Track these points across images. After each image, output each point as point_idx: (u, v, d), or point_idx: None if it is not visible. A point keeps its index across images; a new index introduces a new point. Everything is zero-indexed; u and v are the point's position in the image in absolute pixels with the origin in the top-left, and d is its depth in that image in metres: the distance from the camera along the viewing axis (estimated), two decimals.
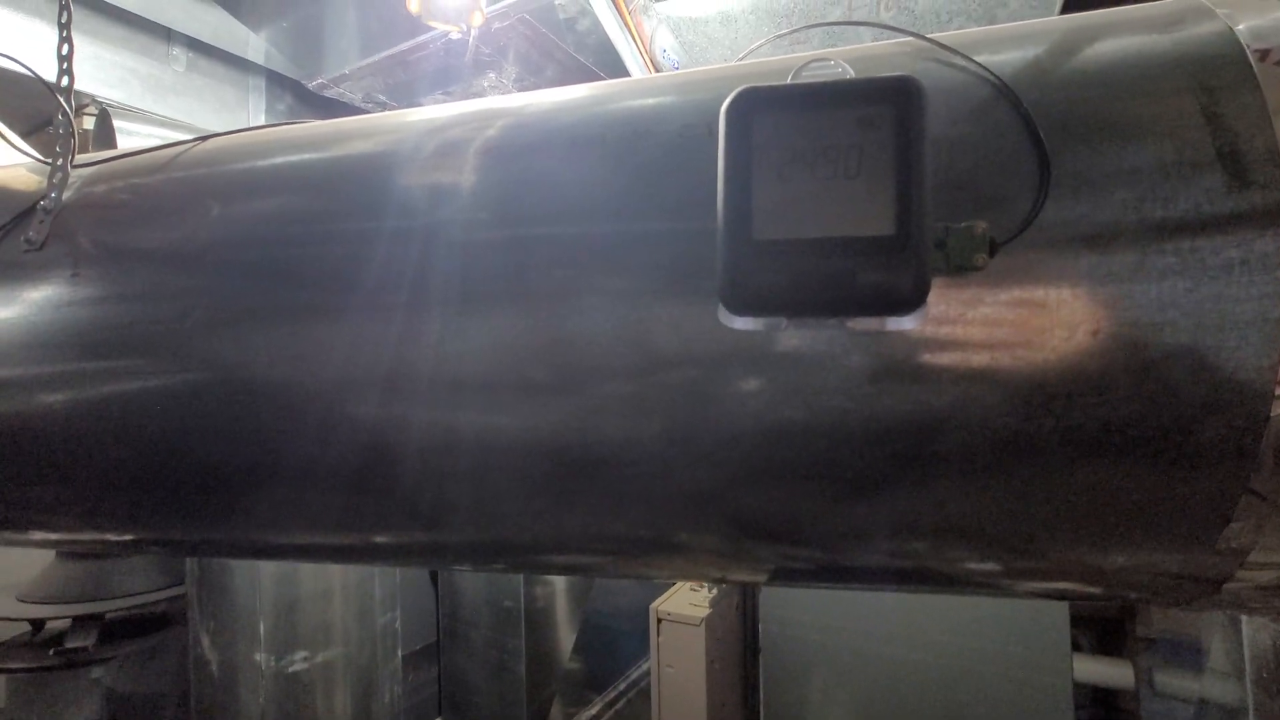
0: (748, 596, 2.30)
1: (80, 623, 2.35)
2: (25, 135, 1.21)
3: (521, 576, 2.49)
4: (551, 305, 0.60)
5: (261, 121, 2.31)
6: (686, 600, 2.17)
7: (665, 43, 2.00)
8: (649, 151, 0.62)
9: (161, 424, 0.67)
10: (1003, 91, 0.48)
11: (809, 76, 0.44)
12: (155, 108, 2.03)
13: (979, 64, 0.50)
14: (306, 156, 0.73)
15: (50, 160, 0.67)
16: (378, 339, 0.65)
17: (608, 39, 2.04)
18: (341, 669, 1.84)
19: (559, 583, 2.74)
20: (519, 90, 2.49)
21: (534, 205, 0.64)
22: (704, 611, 2.08)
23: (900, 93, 0.40)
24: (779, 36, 0.84)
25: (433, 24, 1.74)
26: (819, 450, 0.55)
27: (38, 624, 2.54)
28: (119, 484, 0.73)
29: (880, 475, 0.55)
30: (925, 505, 0.56)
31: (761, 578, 0.70)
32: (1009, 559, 0.59)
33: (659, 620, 2.07)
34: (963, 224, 0.43)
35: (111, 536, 0.88)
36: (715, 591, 2.15)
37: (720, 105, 0.54)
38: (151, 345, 0.65)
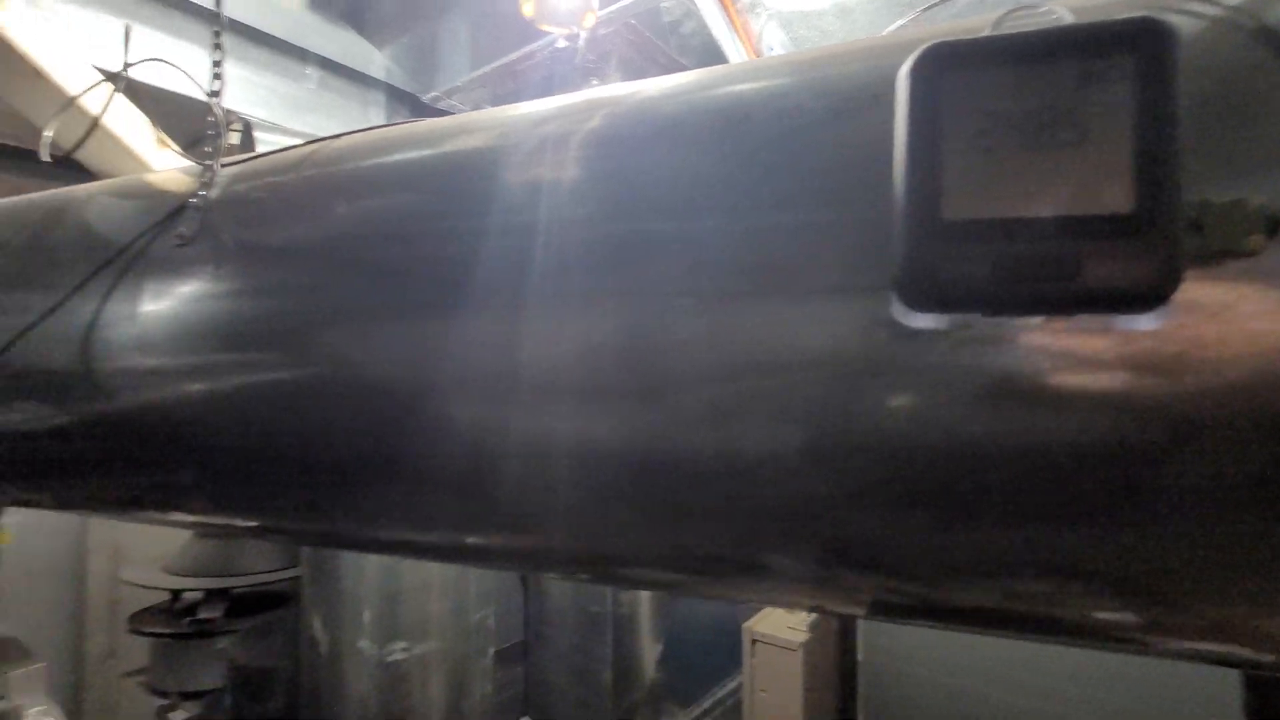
0: (847, 620, 2.16)
1: (211, 596, 2.57)
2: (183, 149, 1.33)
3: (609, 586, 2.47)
4: (644, 305, 0.56)
5: None
6: (783, 621, 2.06)
7: (774, 40, 1.93)
8: (757, 138, 0.56)
9: (284, 417, 0.69)
10: (1268, 36, 0.39)
11: (1013, 27, 0.37)
12: (291, 123, 2.20)
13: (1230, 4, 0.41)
14: (417, 154, 0.73)
15: (202, 162, 0.71)
16: (477, 339, 0.64)
17: (713, 40, 2.00)
18: (437, 662, 1.88)
19: (634, 594, 2.70)
20: None
21: (635, 198, 0.60)
22: (802, 636, 1.96)
23: (1142, 37, 0.32)
24: (928, 10, 0.75)
25: (546, 28, 1.77)
26: (946, 472, 0.47)
27: (176, 594, 2.80)
28: (244, 472, 0.76)
29: (1042, 508, 0.46)
30: (1101, 545, 0.46)
31: (858, 610, 0.64)
32: (1164, 612, 0.48)
33: (753, 641, 1.98)
34: (1229, 198, 0.34)
35: (237, 521, 0.92)
36: (814, 614, 2.04)
37: (843, 80, 0.48)
38: (278, 340, 0.67)
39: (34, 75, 1.04)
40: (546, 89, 2.64)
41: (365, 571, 1.79)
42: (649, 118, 0.65)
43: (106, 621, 4.22)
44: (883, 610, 0.61)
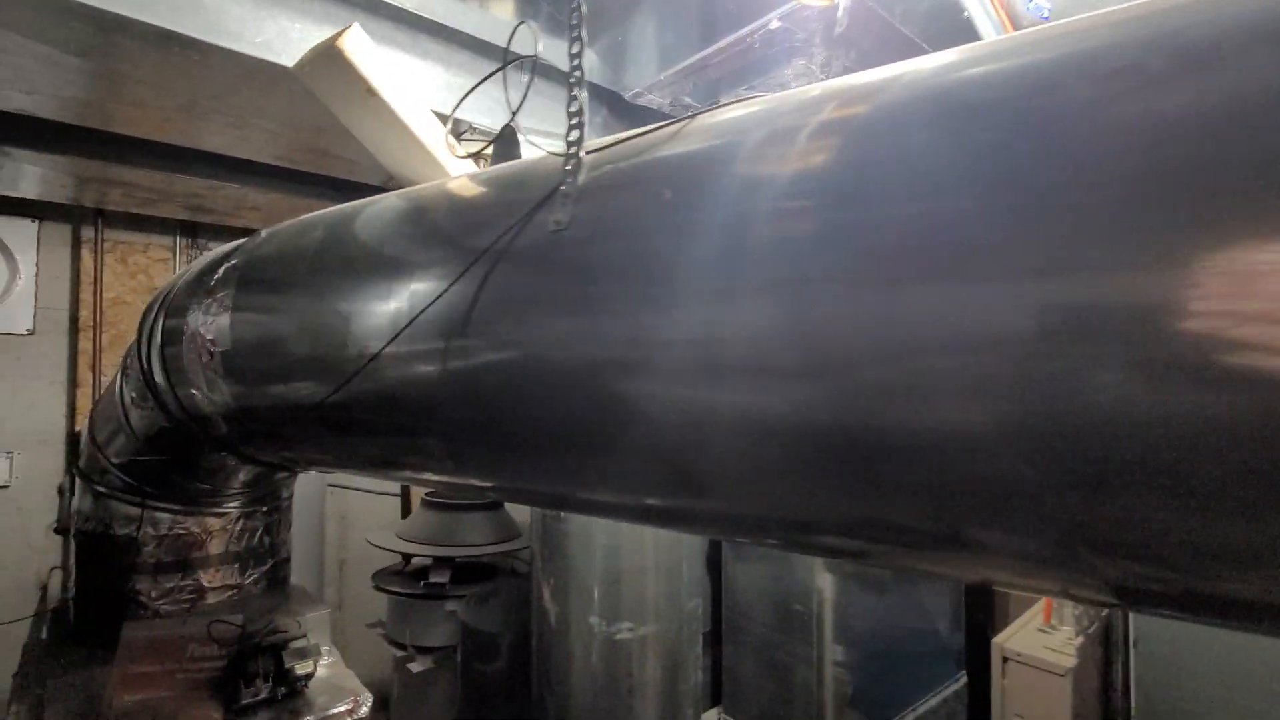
0: (1112, 647, 1.90)
1: (439, 562, 2.86)
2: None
3: (815, 582, 2.40)
4: (854, 289, 0.55)
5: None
6: (1038, 641, 1.86)
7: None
8: (993, 131, 0.51)
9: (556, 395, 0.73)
10: None
11: None
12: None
13: None
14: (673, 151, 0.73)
15: (563, 152, 0.75)
16: (687, 325, 0.64)
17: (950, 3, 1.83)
18: (655, 644, 1.93)
19: (838, 594, 2.58)
20: (825, 77, 2.39)
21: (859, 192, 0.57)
22: (1069, 660, 1.75)
23: None
24: None
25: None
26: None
27: (407, 558, 3.16)
28: (478, 440, 0.82)
29: None
30: None
31: (1105, 598, 0.57)
32: None
33: (1004, 659, 1.81)
34: None
35: (473, 481, 0.98)
36: (1080, 636, 1.81)
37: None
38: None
39: (367, 96, 1.16)
40: (743, 77, 2.60)
41: (594, 552, 1.88)
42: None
43: (336, 577, 4.87)
44: (1133, 599, 0.55)
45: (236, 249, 1.30)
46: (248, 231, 4.45)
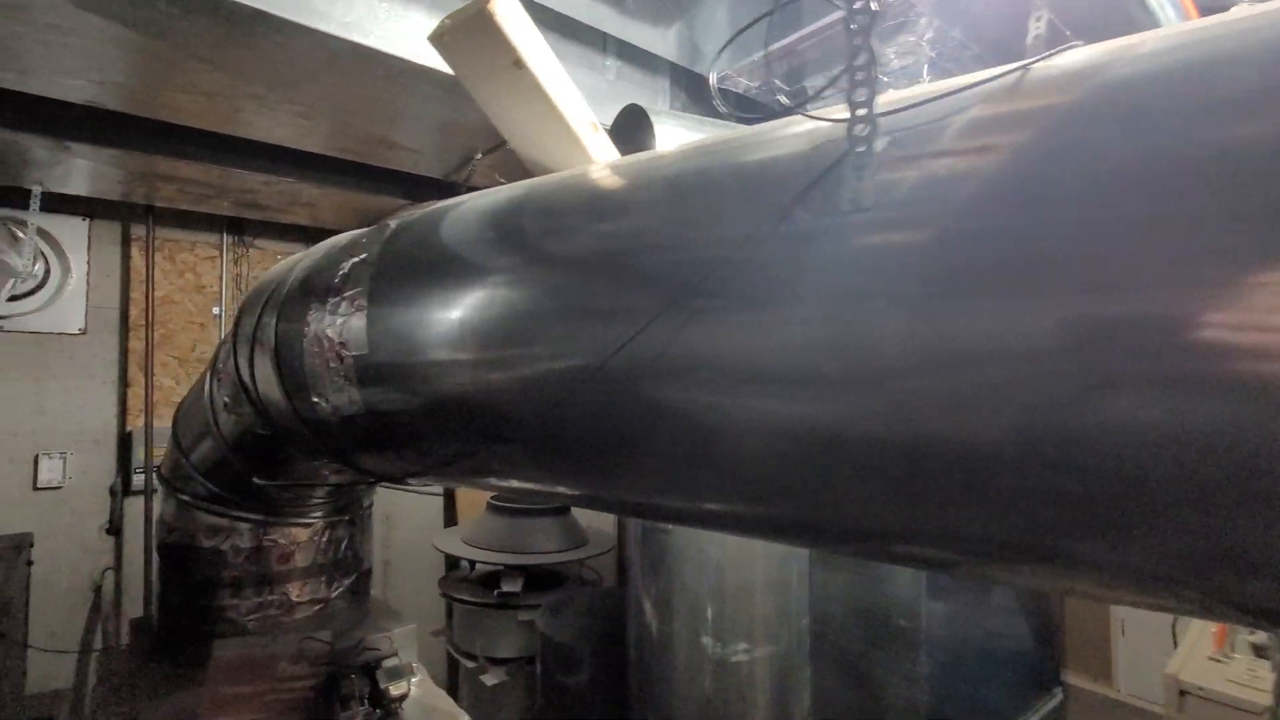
0: None
1: (510, 570, 2.75)
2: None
3: (916, 595, 2.25)
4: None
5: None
6: (1217, 672, 1.69)
7: None
8: None
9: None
10: None
11: None
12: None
13: None
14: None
15: (840, 117, 0.61)
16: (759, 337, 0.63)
17: None
18: (768, 666, 1.79)
19: (939, 607, 2.43)
20: (935, 54, 2.23)
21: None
22: (1265, 698, 1.57)
23: None
24: None
25: None
26: None
27: (472, 564, 3.06)
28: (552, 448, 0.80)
29: None
30: None
31: (1243, 618, 0.54)
32: None
33: (1181, 693, 1.64)
34: None
35: (534, 486, 0.94)
36: (1278, 672, 1.64)
37: None
38: None
39: (514, 68, 1.03)
40: (830, 60, 2.45)
41: (705, 566, 1.75)
42: None
43: (381, 577, 4.80)
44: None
45: (358, 243, 1.18)
46: (296, 228, 4.39)
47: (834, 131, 0.63)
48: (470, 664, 2.72)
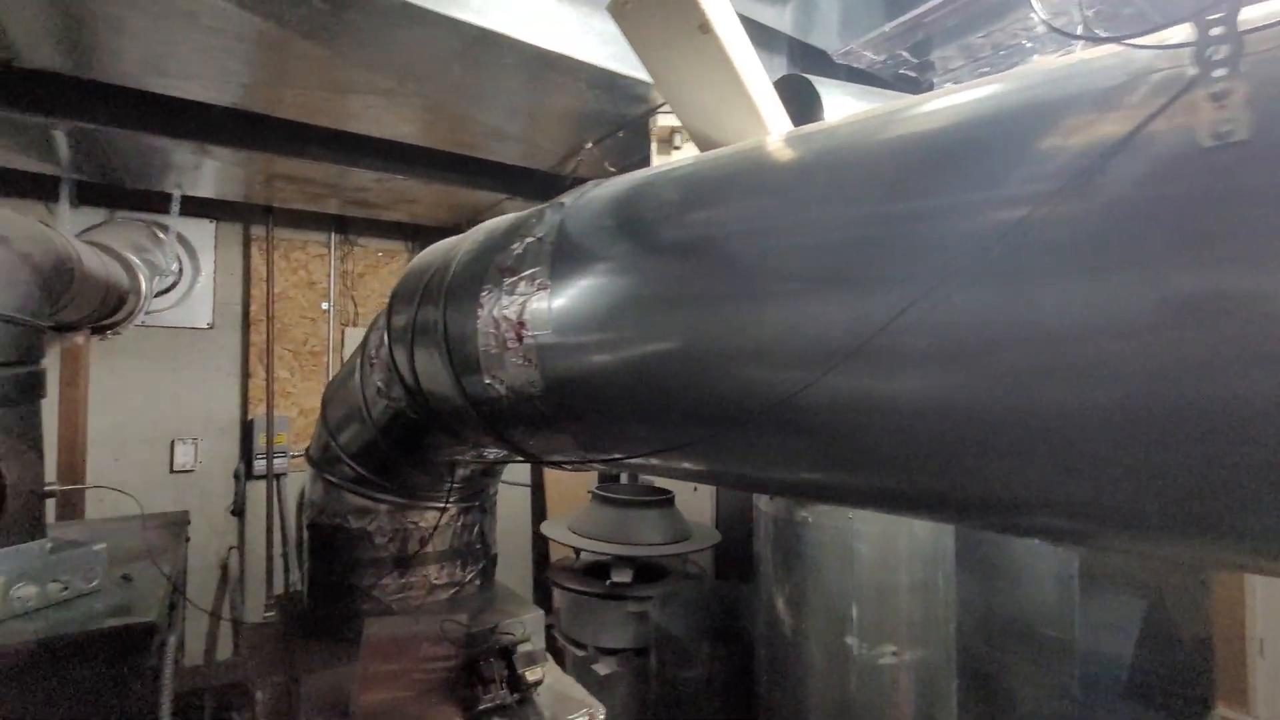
0: None
1: (620, 561, 2.74)
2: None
3: (1071, 603, 2.08)
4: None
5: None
6: None
7: None
8: None
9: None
10: None
11: None
12: None
13: None
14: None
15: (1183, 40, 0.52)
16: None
17: None
18: (916, 671, 1.69)
19: (1089, 616, 2.24)
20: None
21: None
22: None
23: None
24: None
25: None
26: None
27: (577, 553, 3.08)
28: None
29: None
30: None
31: None
32: None
33: None
34: None
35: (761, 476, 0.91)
36: None
37: None
38: None
39: (699, 33, 0.98)
40: (960, 31, 2.30)
41: (852, 563, 1.67)
42: None
43: None
44: None
45: (528, 224, 1.17)
46: (395, 226, 4.54)
47: (1158, 61, 0.55)
48: (580, 652, 2.73)
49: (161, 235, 3.67)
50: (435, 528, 1.86)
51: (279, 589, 4.12)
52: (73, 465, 3.31)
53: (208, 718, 1.33)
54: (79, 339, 3.14)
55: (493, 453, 1.56)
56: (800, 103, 1.39)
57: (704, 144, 1.18)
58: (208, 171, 3.28)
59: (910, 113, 0.75)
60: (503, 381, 1.13)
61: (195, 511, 4.01)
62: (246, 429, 4.14)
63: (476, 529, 1.98)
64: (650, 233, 0.93)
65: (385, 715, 1.65)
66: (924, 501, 0.75)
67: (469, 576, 1.96)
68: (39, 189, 3.31)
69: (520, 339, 1.07)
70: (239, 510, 4.11)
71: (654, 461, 0.99)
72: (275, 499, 4.15)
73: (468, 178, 3.30)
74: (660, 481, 3.58)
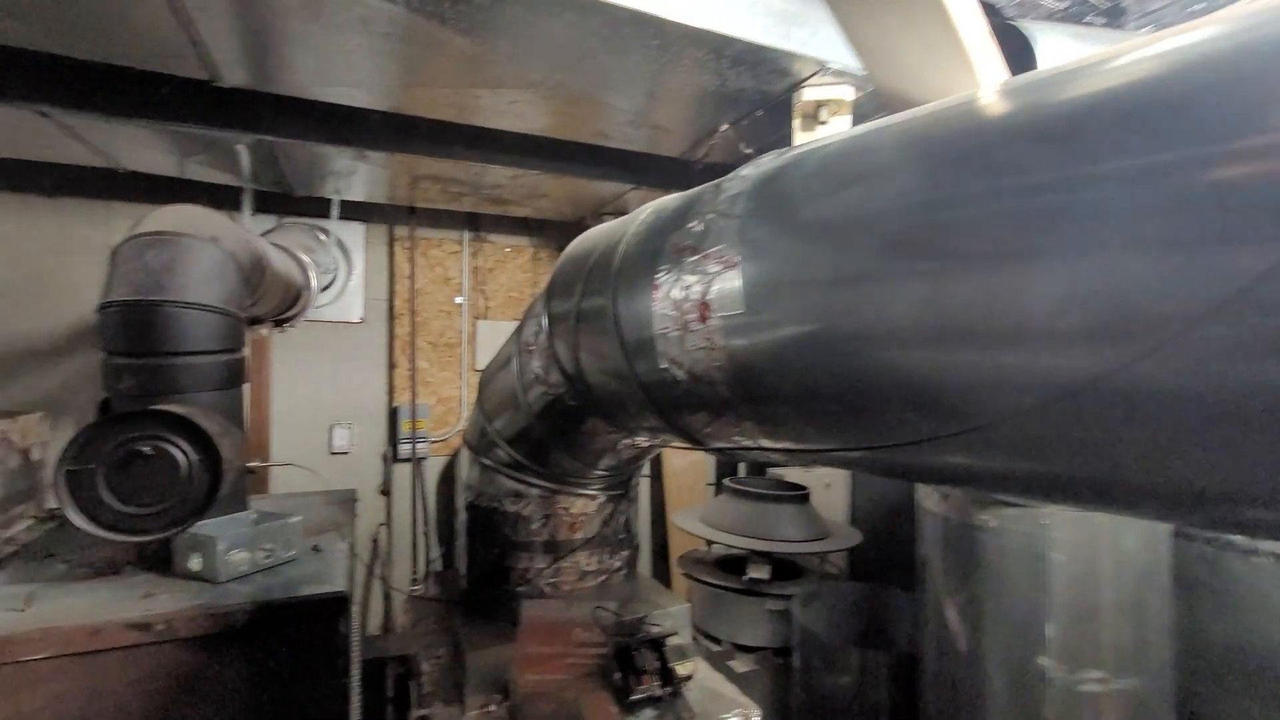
0: None
1: (756, 557, 2.65)
2: None
3: None
4: None
5: None
6: None
7: None
8: None
9: None
10: None
11: None
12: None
13: None
14: None
15: None
16: None
17: None
18: (1126, 702, 1.47)
19: None
20: None
21: None
22: None
23: None
24: None
25: None
26: None
27: (709, 544, 3.03)
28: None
29: None
30: None
31: None
32: None
33: None
34: None
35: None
36: None
37: None
38: None
39: None
40: None
41: (1046, 574, 1.48)
42: None
43: None
44: None
45: (704, 200, 1.11)
46: (522, 223, 4.70)
47: None
48: (715, 647, 2.68)
49: (323, 238, 4.02)
50: (584, 515, 1.87)
51: (422, 565, 4.41)
52: (260, 445, 3.70)
53: (390, 686, 1.40)
54: (264, 331, 3.50)
55: (648, 439, 1.53)
56: (1009, 51, 1.22)
57: (900, 103, 1.07)
58: (361, 176, 3.53)
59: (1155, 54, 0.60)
60: (681, 365, 1.09)
61: None
62: (392, 415, 4.45)
63: (623, 518, 1.98)
64: (867, 198, 0.83)
65: (542, 696, 1.67)
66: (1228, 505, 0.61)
67: (616, 565, 1.96)
68: (224, 198, 3.72)
69: (704, 319, 1.01)
70: (387, 490, 4.44)
71: (855, 455, 0.90)
72: (418, 481, 4.44)
73: (596, 169, 3.33)
74: (789, 474, 3.45)
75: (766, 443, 1.06)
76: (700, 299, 1.02)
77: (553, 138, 2.92)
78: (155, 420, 1.40)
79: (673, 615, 1.90)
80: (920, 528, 1.82)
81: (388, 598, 4.15)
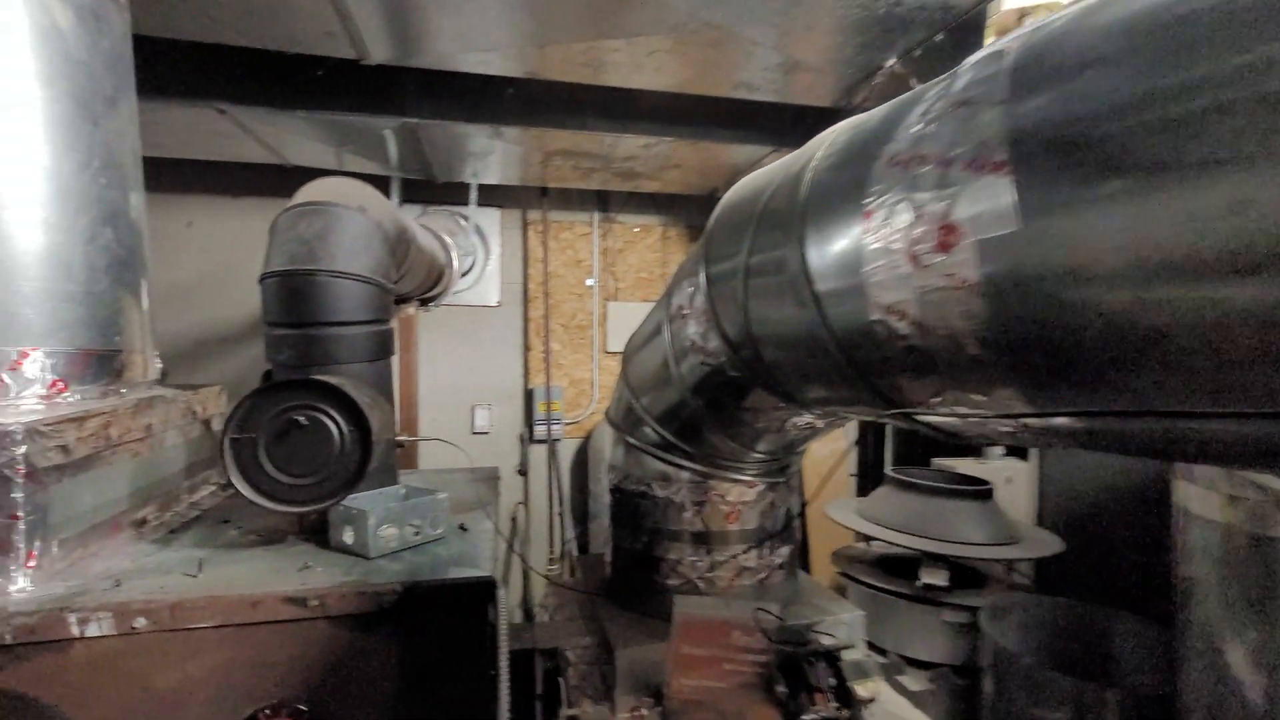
0: None
1: (930, 559, 2.30)
2: None
3: None
4: None
5: None
6: None
7: None
8: None
9: None
10: None
11: None
12: None
13: None
14: None
15: None
16: None
17: None
18: None
19: None
20: None
21: None
22: None
23: None
24: None
25: None
26: None
27: (867, 540, 2.70)
28: None
29: None
30: None
31: None
32: None
33: None
34: None
35: None
36: None
37: None
38: None
39: None
40: None
41: None
42: None
43: None
44: None
45: (926, 97, 0.84)
46: (650, 200, 4.55)
47: None
48: (879, 659, 2.37)
49: (463, 223, 4.11)
50: (742, 504, 1.65)
51: (558, 545, 4.44)
52: (409, 421, 3.87)
53: (540, 679, 1.28)
54: (410, 310, 3.63)
55: (822, 416, 1.28)
56: None
57: None
58: (497, 156, 3.54)
59: None
60: (902, 314, 0.83)
61: None
62: (527, 397, 4.50)
63: (784, 509, 1.74)
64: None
65: (699, 704, 1.49)
66: None
67: (777, 561, 1.72)
68: (376, 188, 3.90)
69: (947, 248, 0.74)
70: (524, 470, 4.51)
71: (1232, 429, 0.60)
72: (553, 462, 4.46)
73: (734, 132, 3.08)
74: (960, 466, 3.00)
75: (1029, 413, 0.78)
76: (942, 220, 0.75)
77: (690, 94, 2.71)
78: (310, 390, 1.37)
79: (845, 624, 1.64)
80: (1181, 539, 1.41)
81: (526, 576, 4.22)
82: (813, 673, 1.46)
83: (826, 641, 1.52)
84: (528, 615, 4.20)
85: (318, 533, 1.48)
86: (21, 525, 1.15)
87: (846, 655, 1.51)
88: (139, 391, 1.58)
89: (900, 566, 2.50)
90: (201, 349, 3.91)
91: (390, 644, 1.17)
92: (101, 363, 1.45)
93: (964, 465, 3.00)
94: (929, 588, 2.25)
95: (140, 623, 1.08)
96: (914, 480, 2.45)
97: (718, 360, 1.38)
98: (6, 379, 1.32)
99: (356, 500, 1.41)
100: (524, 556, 4.29)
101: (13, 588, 1.13)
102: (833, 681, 1.46)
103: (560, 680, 1.36)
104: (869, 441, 4.22)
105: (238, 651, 1.12)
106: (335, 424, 1.37)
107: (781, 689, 1.48)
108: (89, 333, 1.43)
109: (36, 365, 1.34)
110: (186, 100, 2.51)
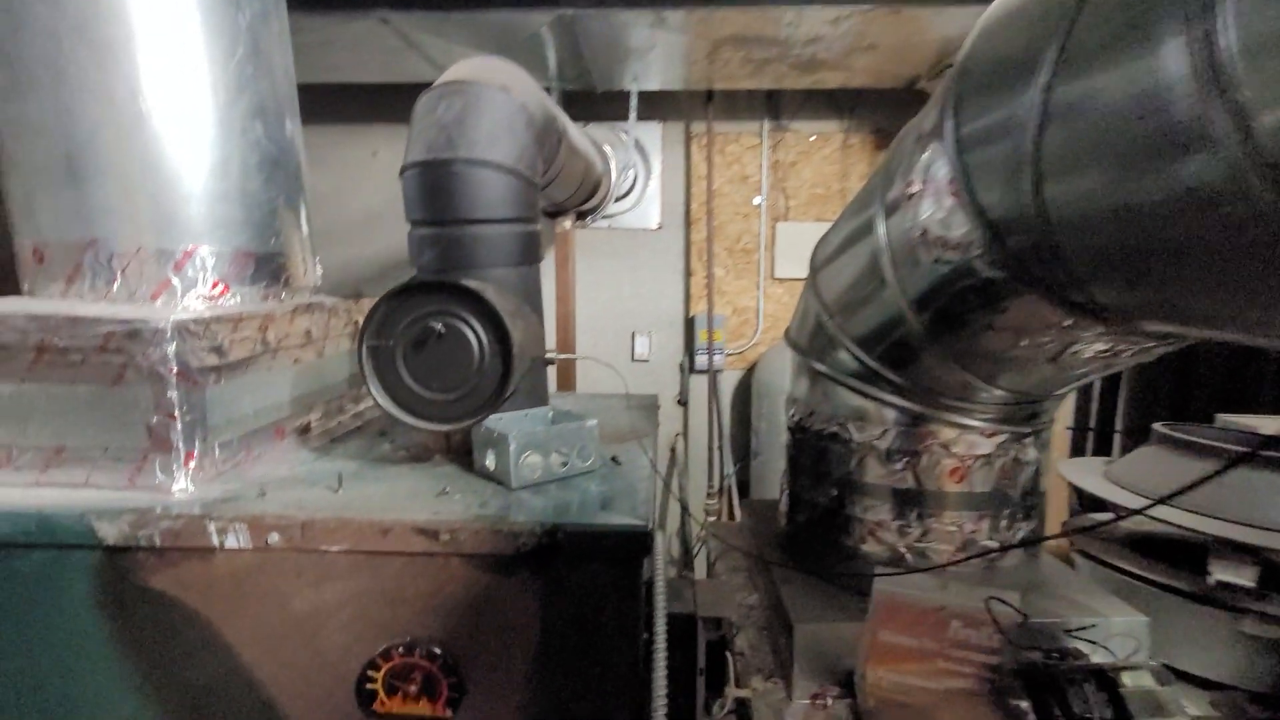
0: None
1: (1228, 549, 1.69)
2: None
3: None
4: None
5: None
6: None
7: None
8: None
9: None
10: None
11: None
12: None
13: None
14: None
15: None
16: None
17: None
18: None
19: None
20: None
21: None
22: None
23: None
24: None
25: None
26: None
27: (1115, 511, 2.10)
28: None
29: None
30: None
31: None
32: None
33: None
34: None
35: None
36: None
37: None
38: None
39: None
40: None
41: None
42: None
43: None
44: None
45: None
46: (830, 99, 3.87)
47: None
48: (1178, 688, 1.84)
49: (624, 136, 3.84)
50: (972, 458, 1.24)
51: (717, 480, 4.25)
52: (566, 342, 3.81)
53: (702, 651, 1.05)
54: (566, 224, 3.49)
55: (1126, 339, 0.82)
56: None
57: None
58: (659, 53, 3.16)
59: None
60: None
61: None
62: (689, 325, 4.25)
63: (1031, 470, 1.29)
64: None
65: (901, 707, 1.16)
66: None
67: (1015, 537, 1.30)
68: None
69: None
70: (684, 400, 4.32)
71: None
72: (714, 394, 4.21)
73: None
74: (1265, 425, 2.21)
75: None
76: None
77: None
78: (447, 294, 1.20)
79: (1121, 631, 1.19)
80: None
81: (685, 509, 4.09)
82: (1077, 696, 1.05)
83: (1098, 656, 1.10)
84: (686, 552, 4.09)
85: (465, 454, 1.34)
86: (178, 425, 1.11)
87: (1130, 680, 1.08)
88: (300, 298, 1.53)
89: (1165, 549, 1.90)
90: (394, 272, 4.13)
91: (529, 593, 0.98)
92: (260, 265, 1.40)
93: (1269, 425, 2.20)
94: (1225, 586, 1.65)
95: (274, 538, 0.99)
96: (1208, 441, 1.80)
97: (965, 255, 0.96)
98: (173, 279, 1.30)
99: (499, 422, 1.24)
100: (684, 502, 4.15)
101: (175, 486, 1.11)
102: (1110, 714, 1.04)
103: (727, 654, 1.11)
104: (1090, 388, 3.36)
105: (371, 582, 1.01)
106: (474, 334, 1.19)
107: (1021, 705, 1.10)
108: (246, 233, 1.37)
109: (199, 264, 1.31)
110: (348, 11, 2.45)
